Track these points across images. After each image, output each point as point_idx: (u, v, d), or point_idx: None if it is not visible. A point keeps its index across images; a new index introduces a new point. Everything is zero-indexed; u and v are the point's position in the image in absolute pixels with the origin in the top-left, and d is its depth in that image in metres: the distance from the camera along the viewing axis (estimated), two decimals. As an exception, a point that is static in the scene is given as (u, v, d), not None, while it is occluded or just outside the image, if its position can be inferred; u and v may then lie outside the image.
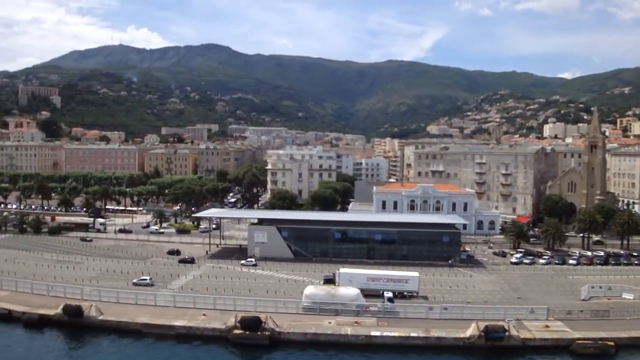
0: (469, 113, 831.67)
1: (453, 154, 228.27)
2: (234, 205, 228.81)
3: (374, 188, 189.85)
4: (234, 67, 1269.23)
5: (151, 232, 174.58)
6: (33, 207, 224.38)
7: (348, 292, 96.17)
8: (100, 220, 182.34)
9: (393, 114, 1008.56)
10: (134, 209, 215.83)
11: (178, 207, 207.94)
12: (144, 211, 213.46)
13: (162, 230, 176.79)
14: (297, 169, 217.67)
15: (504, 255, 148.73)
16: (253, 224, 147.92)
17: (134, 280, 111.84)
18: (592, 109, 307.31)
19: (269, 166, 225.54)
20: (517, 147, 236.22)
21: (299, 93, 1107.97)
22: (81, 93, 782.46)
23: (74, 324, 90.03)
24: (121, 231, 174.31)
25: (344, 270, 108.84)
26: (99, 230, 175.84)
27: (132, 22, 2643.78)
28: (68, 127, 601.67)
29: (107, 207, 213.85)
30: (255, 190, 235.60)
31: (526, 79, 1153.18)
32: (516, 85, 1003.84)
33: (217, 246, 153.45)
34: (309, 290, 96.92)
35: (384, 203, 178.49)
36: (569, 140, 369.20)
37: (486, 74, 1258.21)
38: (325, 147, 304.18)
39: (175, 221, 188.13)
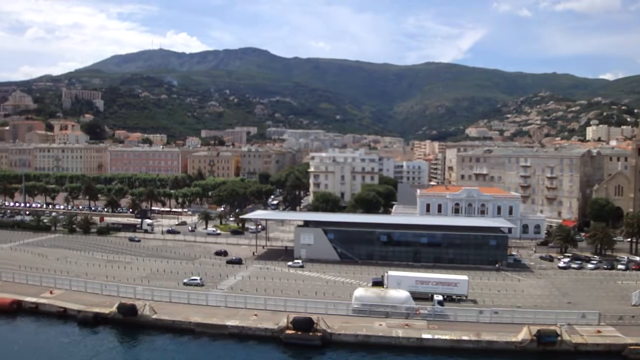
0: (509, 115, 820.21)
1: (497, 156, 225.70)
2: (276, 207, 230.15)
3: (418, 191, 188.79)
4: (272, 71, 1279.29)
5: (208, 234, 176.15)
6: (80, 207, 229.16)
7: (398, 294, 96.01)
8: (148, 221, 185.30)
9: (431, 116, 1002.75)
10: (179, 210, 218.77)
11: (222, 209, 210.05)
12: (189, 212, 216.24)
13: (219, 232, 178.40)
14: (340, 172, 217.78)
15: (551, 259, 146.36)
16: (299, 226, 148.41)
17: (185, 280, 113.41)
18: (637, 110, 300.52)
19: (312, 169, 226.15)
20: (563, 150, 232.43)
21: (337, 96, 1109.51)
22: (123, 96, 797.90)
23: (128, 322, 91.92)
24: (169, 232, 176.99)
25: (393, 273, 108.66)
26: (146, 231, 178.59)
27: (172, 27, 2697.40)
28: (111, 129, 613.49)
29: (152, 208, 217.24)
30: (297, 193, 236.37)
31: (567, 81, 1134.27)
32: (557, 86, 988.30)
33: (263, 247, 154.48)
34: (359, 292, 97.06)
35: (428, 206, 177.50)
36: (613, 143, 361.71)
37: (526, 75, 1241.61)
38: (366, 150, 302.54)
39: (221, 222, 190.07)
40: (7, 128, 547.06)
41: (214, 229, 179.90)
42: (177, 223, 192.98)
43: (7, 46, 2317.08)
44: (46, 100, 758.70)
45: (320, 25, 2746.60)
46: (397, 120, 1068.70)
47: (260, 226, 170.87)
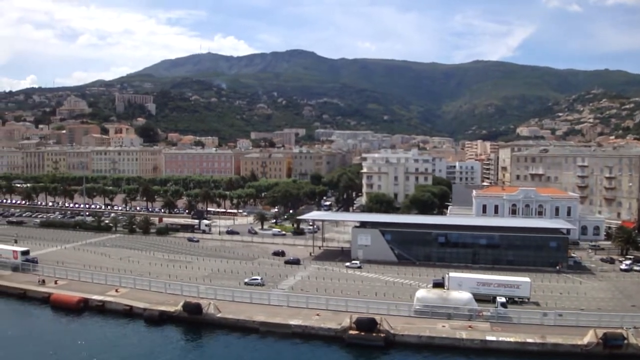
0: (561, 114, 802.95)
1: (553, 156, 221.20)
2: (328, 208, 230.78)
3: (474, 192, 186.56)
4: (319, 72, 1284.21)
5: (274, 235, 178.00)
6: (138, 209, 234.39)
7: (460, 296, 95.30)
8: (206, 221, 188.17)
9: (481, 115, 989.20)
10: (234, 211, 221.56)
11: (276, 210, 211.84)
12: (244, 213, 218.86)
13: (283, 233, 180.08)
14: (393, 173, 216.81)
15: (612, 261, 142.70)
16: (356, 227, 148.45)
17: (246, 280, 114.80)
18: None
19: (364, 170, 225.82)
20: (621, 150, 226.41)
21: (384, 96, 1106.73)
22: (174, 100, 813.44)
23: (193, 320, 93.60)
24: (229, 232, 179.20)
25: (454, 274, 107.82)
26: (204, 232, 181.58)
27: (219, 31, 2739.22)
28: (163, 132, 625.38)
29: (208, 209, 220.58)
30: (349, 194, 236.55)
31: (620, 77, 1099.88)
32: (609, 83, 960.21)
33: (319, 248, 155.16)
34: (421, 293, 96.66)
35: (484, 207, 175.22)
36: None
37: (577, 72, 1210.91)
38: (419, 151, 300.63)
39: (276, 223, 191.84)
40: (64, 132, 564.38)
41: (279, 230, 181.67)
42: (234, 223, 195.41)
43: (61, 53, 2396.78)
44: (100, 104, 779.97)
45: (366, 26, 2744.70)
46: (446, 120, 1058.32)
47: (314, 227, 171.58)
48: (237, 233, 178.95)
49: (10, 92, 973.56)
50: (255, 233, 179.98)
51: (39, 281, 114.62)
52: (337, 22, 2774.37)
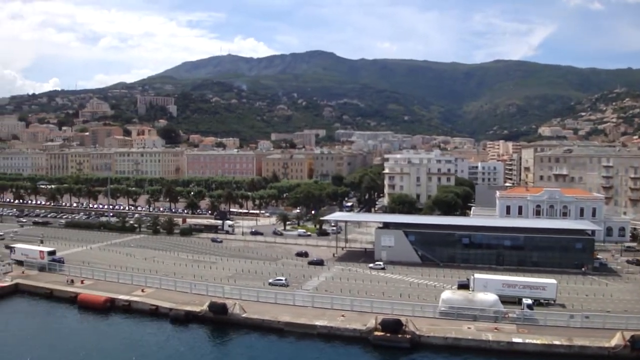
0: (583, 113, 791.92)
1: (577, 157, 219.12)
2: (350, 209, 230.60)
3: (497, 192, 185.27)
4: (339, 73, 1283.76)
5: (299, 235, 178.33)
6: (161, 209, 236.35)
7: (486, 297, 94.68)
8: (229, 222, 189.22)
9: (502, 115, 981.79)
10: (256, 211, 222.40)
11: (298, 210, 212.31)
12: (267, 214, 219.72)
13: (308, 233, 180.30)
14: (416, 173, 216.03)
15: (638, 263, 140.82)
16: (379, 228, 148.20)
17: (270, 280, 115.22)
18: None
19: (386, 170, 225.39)
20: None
21: (405, 96, 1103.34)
22: (195, 102, 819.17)
23: (218, 320, 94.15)
24: (253, 233, 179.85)
25: (479, 275, 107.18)
26: (227, 232, 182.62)
27: (239, 33, 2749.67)
28: (185, 134, 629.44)
29: (230, 210, 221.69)
30: (371, 195, 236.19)
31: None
32: (633, 82, 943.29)
33: (342, 249, 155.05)
34: (446, 295, 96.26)
35: (508, 208, 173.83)
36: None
37: (599, 71, 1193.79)
38: (441, 152, 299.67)
39: (298, 224, 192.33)
40: (87, 134, 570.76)
41: (304, 231, 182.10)
42: (257, 224, 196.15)
43: (83, 55, 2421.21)
44: (122, 106, 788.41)
45: (385, 26, 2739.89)
46: (467, 120, 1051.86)
47: (337, 227, 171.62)
48: (262, 234, 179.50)
49: (34, 94, 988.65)
50: (281, 234, 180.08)
51: (67, 281, 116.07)
52: (357, 23, 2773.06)
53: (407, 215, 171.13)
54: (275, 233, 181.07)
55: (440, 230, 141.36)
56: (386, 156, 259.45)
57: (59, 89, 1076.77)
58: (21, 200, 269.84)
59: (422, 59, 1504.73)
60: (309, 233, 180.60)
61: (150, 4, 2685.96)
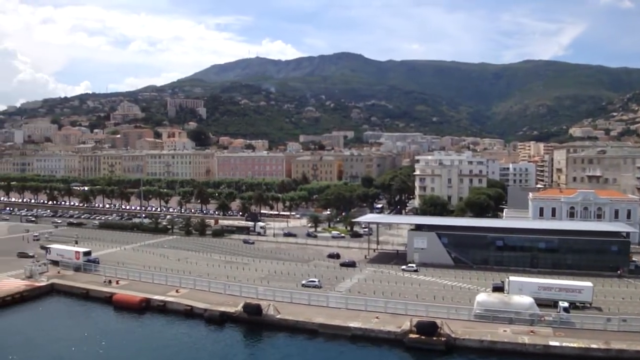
0: (615, 113, 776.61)
1: (611, 157, 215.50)
2: (380, 210, 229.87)
3: (530, 194, 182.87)
4: (367, 74, 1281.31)
5: (332, 237, 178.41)
6: (193, 211, 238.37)
7: (522, 300, 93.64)
8: (261, 224, 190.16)
9: (532, 116, 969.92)
10: (287, 213, 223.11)
11: (328, 212, 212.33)
12: (297, 216, 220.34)
13: (342, 235, 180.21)
14: (447, 175, 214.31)
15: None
16: (412, 230, 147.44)
17: (303, 282, 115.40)
18: None
19: (417, 172, 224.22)
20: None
21: (433, 97, 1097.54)
22: (224, 104, 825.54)
23: (253, 321, 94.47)
24: (286, 235, 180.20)
25: (514, 278, 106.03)
26: (259, 234, 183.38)
27: (267, 36, 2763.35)
28: (214, 136, 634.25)
29: (261, 211, 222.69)
30: (401, 196, 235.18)
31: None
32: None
33: (374, 251, 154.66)
34: (482, 297, 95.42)
35: (541, 210, 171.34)
36: None
37: (631, 70, 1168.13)
38: (470, 153, 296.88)
39: (329, 225, 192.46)
40: (119, 136, 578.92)
41: (337, 232, 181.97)
42: (287, 226, 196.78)
43: (113, 59, 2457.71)
44: (152, 109, 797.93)
45: (413, 27, 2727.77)
46: (496, 121, 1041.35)
47: (369, 229, 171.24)
48: (295, 235, 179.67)
49: (66, 97, 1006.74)
50: (315, 236, 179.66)
51: (104, 281, 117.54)
52: (384, 24, 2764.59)
53: (439, 217, 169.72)
54: (309, 235, 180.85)
55: (473, 233, 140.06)
56: (417, 157, 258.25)
57: (90, 92, 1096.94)
58: (55, 202, 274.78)
59: (450, 59, 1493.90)
60: (342, 235, 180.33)
61: (179, 8, 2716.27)
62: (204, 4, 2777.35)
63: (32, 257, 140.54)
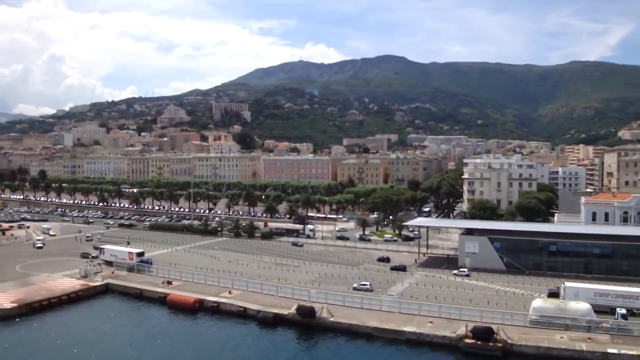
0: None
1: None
2: (428, 214, 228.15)
3: (582, 199, 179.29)
4: (410, 77, 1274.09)
5: (385, 240, 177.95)
6: (240, 213, 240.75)
7: (579, 306, 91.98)
8: (310, 226, 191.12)
9: (579, 118, 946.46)
10: (334, 216, 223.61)
11: (375, 216, 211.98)
12: (344, 219, 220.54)
13: (395, 239, 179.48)
14: (496, 178, 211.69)
15: None
16: (463, 234, 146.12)
17: (354, 285, 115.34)
18: None
19: (466, 175, 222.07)
20: None
21: (478, 100, 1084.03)
22: (268, 108, 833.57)
23: (306, 324, 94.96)
24: (339, 238, 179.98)
25: (570, 284, 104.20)
26: (308, 236, 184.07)
27: (310, 39, 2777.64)
28: (259, 139, 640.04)
29: (308, 214, 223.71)
30: (449, 200, 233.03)
31: None
32: None
33: (424, 255, 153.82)
34: (537, 303, 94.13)
35: (594, 214, 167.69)
36: None
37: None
38: (520, 156, 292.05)
39: (377, 229, 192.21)
40: (166, 139, 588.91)
41: (390, 236, 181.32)
42: (335, 229, 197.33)
43: (158, 64, 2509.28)
44: (198, 112, 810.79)
45: (457, 29, 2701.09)
46: (542, 124, 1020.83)
47: (418, 233, 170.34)
48: (347, 239, 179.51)
49: (113, 101, 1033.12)
50: (369, 240, 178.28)
51: (163, 282, 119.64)
52: (428, 26, 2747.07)
53: (490, 221, 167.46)
54: (362, 239, 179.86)
55: (525, 237, 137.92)
56: (465, 161, 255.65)
57: (137, 96, 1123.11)
58: (105, 203, 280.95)
59: (494, 61, 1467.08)
60: (395, 238, 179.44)
61: (223, 13, 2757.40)
62: (247, 9, 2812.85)
63: (96, 257, 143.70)
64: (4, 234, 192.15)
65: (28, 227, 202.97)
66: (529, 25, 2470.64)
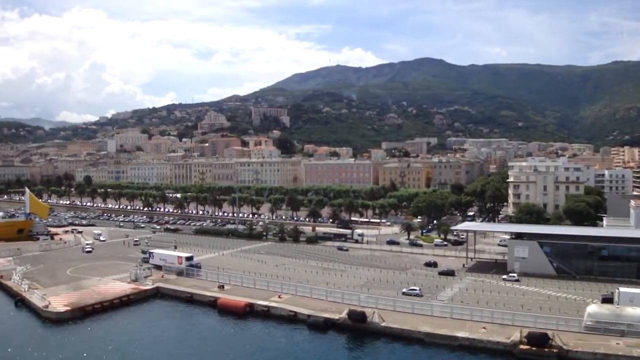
0: None
1: None
2: (472, 218, 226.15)
3: (632, 202, 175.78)
4: (448, 80, 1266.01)
5: (436, 245, 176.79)
6: (283, 217, 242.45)
7: (635, 312, 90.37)
8: (358, 231, 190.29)
9: (622, 120, 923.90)
10: (377, 220, 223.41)
11: (419, 220, 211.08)
12: (388, 223, 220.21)
13: (445, 243, 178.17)
14: (542, 182, 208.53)
15: None
16: (512, 238, 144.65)
17: (404, 290, 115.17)
18: None
19: (511, 178, 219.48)
20: None
21: (518, 102, 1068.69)
22: (307, 112, 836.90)
23: (357, 328, 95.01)
24: (388, 242, 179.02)
25: (625, 289, 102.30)
26: (356, 241, 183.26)
27: (347, 43, 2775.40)
28: (299, 144, 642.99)
29: (351, 218, 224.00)
30: (493, 204, 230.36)
31: None
32: None
33: (471, 259, 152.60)
34: (592, 308, 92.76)
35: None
36: None
37: None
38: (566, 159, 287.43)
39: (421, 233, 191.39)
40: (207, 144, 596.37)
41: (440, 241, 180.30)
42: (379, 233, 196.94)
43: (197, 70, 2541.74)
44: (237, 118, 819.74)
45: (495, 30, 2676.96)
46: (584, 126, 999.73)
47: (466, 237, 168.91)
48: (397, 243, 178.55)
49: (154, 108, 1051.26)
50: (421, 245, 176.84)
51: (218, 286, 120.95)
52: (465, 28, 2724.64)
53: (537, 225, 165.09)
54: (413, 243, 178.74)
55: (576, 242, 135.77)
56: (510, 164, 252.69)
57: (177, 103, 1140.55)
58: (150, 208, 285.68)
59: (534, 62, 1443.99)
60: (445, 243, 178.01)
61: (260, 19, 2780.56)
62: (284, 15, 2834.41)
63: (146, 261, 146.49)
64: (52, 238, 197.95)
65: (80, 232, 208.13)
66: (569, 25, 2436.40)
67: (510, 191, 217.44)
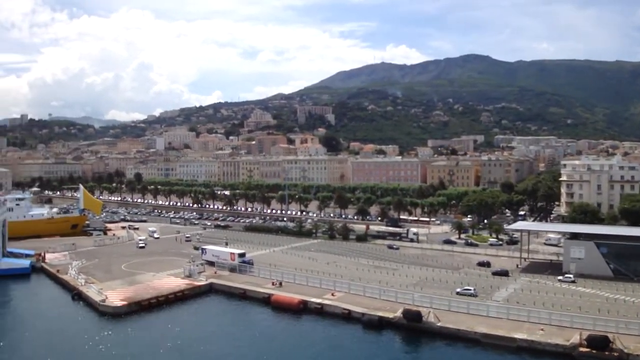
0: None
1: None
2: (523, 218, 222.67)
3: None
4: (495, 76, 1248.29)
5: (491, 244, 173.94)
6: (332, 215, 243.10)
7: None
8: (413, 230, 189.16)
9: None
10: (427, 219, 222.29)
11: (469, 219, 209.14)
12: (437, 222, 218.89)
13: (500, 242, 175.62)
14: (596, 181, 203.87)
15: None
16: (568, 238, 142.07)
17: (458, 290, 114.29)
18: None
19: (564, 177, 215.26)
20: None
21: (566, 99, 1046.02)
22: (352, 110, 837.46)
23: (412, 328, 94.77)
24: (445, 242, 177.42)
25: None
26: (411, 240, 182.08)
27: (391, 41, 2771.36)
28: (344, 141, 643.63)
29: (400, 217, 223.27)
30: (545, 203, 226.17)
31: None
32: None
33: (525, 260, 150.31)
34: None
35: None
36: None
37: None
38: (620, 158, 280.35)
39: (473, 233, 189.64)
40: (254, 142, 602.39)
41: (495, 240, 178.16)
42: (429, 232, 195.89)
43: (243, 69, 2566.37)
44: (283, 116, 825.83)
45: (542, 26, 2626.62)
46: (635, 123, 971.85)
47: (520, 236, 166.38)
48: (455, 243, 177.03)
49: (201, 106, 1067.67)
50: (476, 245, 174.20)
51: (273, 283, 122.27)
52: (512, 24, 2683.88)
53: (592, 225, 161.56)
54: (468, 244, 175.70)
55: (634, 243, 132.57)
56: (563, 162, 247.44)
57: (223, 101, 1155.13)
58: (199, 205, 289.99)
59: (583, 58, 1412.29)
60: (500, 242, 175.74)
61: (304, 18, 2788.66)
62: (327, 13, 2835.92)
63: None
64: (105, 233, 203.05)
65: (137, 228, 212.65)
66: (618, 19, 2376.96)
67: (563, 190, 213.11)
